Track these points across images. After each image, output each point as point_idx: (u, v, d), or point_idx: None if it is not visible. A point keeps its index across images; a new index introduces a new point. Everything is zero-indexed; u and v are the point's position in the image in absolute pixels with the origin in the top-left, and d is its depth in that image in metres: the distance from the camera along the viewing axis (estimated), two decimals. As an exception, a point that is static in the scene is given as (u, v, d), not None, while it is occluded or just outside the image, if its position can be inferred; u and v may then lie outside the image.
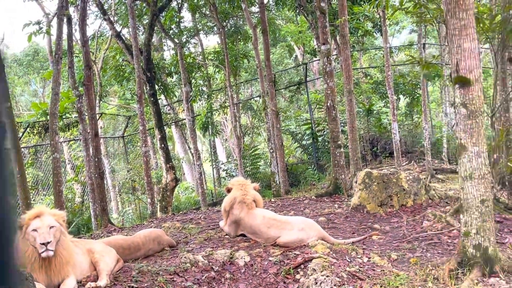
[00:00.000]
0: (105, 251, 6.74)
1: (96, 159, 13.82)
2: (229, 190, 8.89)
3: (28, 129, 19.70)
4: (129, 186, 23.90)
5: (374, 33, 21.49)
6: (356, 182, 11.02)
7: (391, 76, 16.84)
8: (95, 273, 6.36)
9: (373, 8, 15.69)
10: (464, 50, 5.78)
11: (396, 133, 16.43)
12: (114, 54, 23.30)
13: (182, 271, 6.80)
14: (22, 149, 17.25)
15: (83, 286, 6.00)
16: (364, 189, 10.46)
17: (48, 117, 13.69)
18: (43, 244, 5.66)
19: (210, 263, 7.09)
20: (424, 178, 11.40)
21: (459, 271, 5.86)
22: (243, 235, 8.56)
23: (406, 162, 19.04)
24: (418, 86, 20.96)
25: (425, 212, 9.52)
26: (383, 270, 6.55)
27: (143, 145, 14.83)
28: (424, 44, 19.84)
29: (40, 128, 20.27)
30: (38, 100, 32.25)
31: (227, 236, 8.74)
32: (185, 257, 7.12)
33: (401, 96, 22.63)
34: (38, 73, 38.27)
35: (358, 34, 20.49)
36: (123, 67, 22.75)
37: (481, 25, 8.96)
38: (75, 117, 18.65)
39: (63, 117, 18.25)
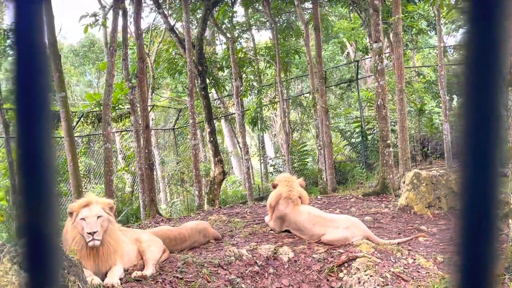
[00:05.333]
0: (152, 241, 6.87)
1: (147, 151, 14.06)
2: (275, 186, 8.91)
3: (82, 118, 20.20)
4: (178, 178, 24.21)
5: (429, 32, 21.15)
6: (404, 182, 10.89)
7: (445, 76, 16.55)
8: (141, 262, 6.49)
9: (428, 6, 15.43)
10: (519, 52, 5.64)
11: (448, 134, 16.14)
12: (167, 47, 23.57)
13: (227, 264, 6.88)
14: (76, 138, 17.68)
15: (129, 274, 6.14)
16: (412, 190, 10.34)
17: (101, 107, 14.00)
18: (90, 233, 5.83)
19: (254, 258, 7.15)
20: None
21: (506, 276, 5.76)
22: (288, 231, 8.58)
23: (457, 164, 18.65)
24: (473, 86, 20.43)
25: (474, 216, 9.34)
26: (428, 272, 6.49)
27: (193, 138, 15.01)
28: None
29: (93, 118, 20.75)
30: (93, 91, 32.97)
31: (271, 232, 8.78)
32: (229, 251, 7.20)
33: (454, 96, 22.20)
34: (94, 64, 39.03)
35: (412, 33, 20.19)
36: (175, 61, 23.01)
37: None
38: (127, 108, 19.00)
39: (116, 108, 18.60)
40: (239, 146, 23.28)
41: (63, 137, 13.42)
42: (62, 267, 4.98)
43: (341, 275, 6.76)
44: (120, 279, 5.90)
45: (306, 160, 22.27)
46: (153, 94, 25.52)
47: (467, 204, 0.71)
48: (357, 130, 21.87)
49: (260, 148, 25.72)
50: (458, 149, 0.72)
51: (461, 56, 0.70)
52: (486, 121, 0.68)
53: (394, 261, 6.86)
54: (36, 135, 0.68)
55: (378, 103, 13.65)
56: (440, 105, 19.27)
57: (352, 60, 29.15)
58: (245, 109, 23.29)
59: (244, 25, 23.99)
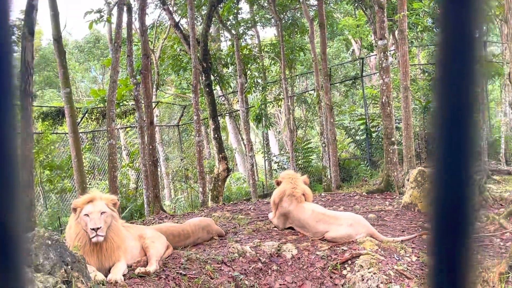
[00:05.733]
0: (155, 237, 6.88)
1: (151, 147, 14.06)
2: (278, 183, 8.91)
3: (86, 114, 20.21)
4: (182, 175, 24.22)
5: (434, 29, 21.06)
6: (408, 180, 10.88)
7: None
8: (145, 258, 6.50)
9: (433, 3, 15.37)
10: (524, 50, 5.63)
11: (453, 132, 16.05)
12: (172, 43, 23.59)
13: (230, 261, 6.88)
14: (80, 134, 17.71)
15: (133, 270, 6.15)
16: (416, 188, 10.32)
17: (106, 103, 14.01)
18: (93, 229, 5.83)
19: (258, 254, 7.15)
20: (479, 179, 11.14)
21: (509, 274, 5.74)
22: (292, 228, 8.59)
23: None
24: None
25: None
26: (432, 270, 6.46)
27: (197, 135, 15.00)
28: (485, 42, 19.31)
29: (98, 114, 20.77)
30: (97, 87, 32.99)
31: (275, 228, 8.78)
32: (233, 247, 7.20)
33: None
34: (98, 60, 39.12)
35: (417, 30, 20.15)
36: (180, 57, 23.02)
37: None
38: (132, 104, 19.01)
39: (121, 104, 18.60)
40: (244, 143, 23.28)
41: (67, 133, 13.46)
42: (66, 262, 4.99)
43: (344, 272, 6.76)
44: (124, 275, 5.90)
45: (311, 157, 22.24)
46: (158, 91, 25.57)
47: (441, 202, 0.70)
48: (362, 127, 21.84)
49: (265, 145, 25.70)
50: (432, 146, 0.70)
51: (436, 46, 0.68)
52: (461, 115, 0.67)
53: (397, 258, 6.85)
54: (2, 132, 0.67)
55: (383, 100, 13.63)
56: (445, 102, 19.17)
57: (357, 57, 29.12)
58: (249, 106, 23.29)
59: (249, 21, 23.97)
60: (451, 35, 0.67)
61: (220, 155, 16.73)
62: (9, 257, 0.72)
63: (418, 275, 6.34)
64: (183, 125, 26.80)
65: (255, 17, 24.54)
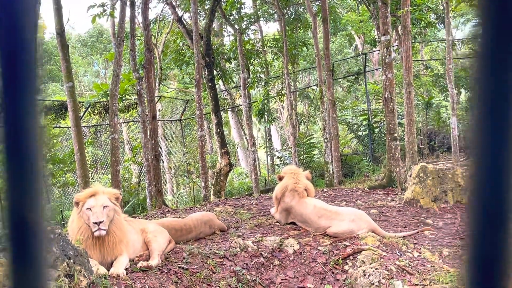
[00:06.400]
0: (158, 232, 6.89)
1: (153, 141, 14.07)
2: (281, 178, 8.91)
3: (89, 108, 20.23)
4: (184, 169, 24.25)
5: (437, 25, 21.04)
6: (410, 175, 10.86)
7: (453, 69, 16.46)
8: (147, 253, 6.51)
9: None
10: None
11: (455, 128, 16.05)
12: (175, 38, 23.56)
13: (232, 256, 6.89)
14: (83, 128, 17.71)
15: (135, 264, 6.16)
16: (418, 183, 10.30)
17: (108, 98, 14.02)
18: (95, 223, 5.85)
19: (260, 249, 7.16)
20: None
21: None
22: (294, 223, 8.59)
23: (464, 158, 18.59)
24: (481, 80, 20.29)
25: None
26: (434, 266, 6.48)
27: (199, 130, 15.00)
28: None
29: (100, 108, 20.79)
30: (100, 81, 33.02)
31: (277, 223, 8.79)
32: (235, 242, 7.21)
33: (462, 90, 22.07)
34: (101, 54, 39.11)
35: (420, 26, 20.10)
36: (183, 51, 23.00)
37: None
38: (134, 99, 19.01)
39: (123, 98, 18.60)
40: (246, 137, 23.26)
41: (70, 127, 13.46)
42: (68, 256, 5.01)
43: (346, 267, 6.77)
44: (126, 269, 5.92)
45: (313, 152, 22.22)
46: (160, 85, 25.53)
47: (480, 198, 0.70)
48: (364, 123, 21.80)
49: (267, 140, 25.68)
50: (469, 142, 0.70)
51: (475, 42, 0.68)
52: (501, 112, 0.66)
53: (399, 254, 6.86)
54: (24, 125, 0.67)
55: (386, 96, 13.61)
56: (448, 98, 19.18)
57: (360, 52, 29.05)
58: (252, 101, 23.26)
59: (252, 16, 23.92)
60: (494, 25, 0.66)
61: (223, 150, 16.73)
62: (30, 254, 0.72)
63: (419, 271, 6.34)
64: (186, 120, 26.82)
65: (258, 12, 24.50)
